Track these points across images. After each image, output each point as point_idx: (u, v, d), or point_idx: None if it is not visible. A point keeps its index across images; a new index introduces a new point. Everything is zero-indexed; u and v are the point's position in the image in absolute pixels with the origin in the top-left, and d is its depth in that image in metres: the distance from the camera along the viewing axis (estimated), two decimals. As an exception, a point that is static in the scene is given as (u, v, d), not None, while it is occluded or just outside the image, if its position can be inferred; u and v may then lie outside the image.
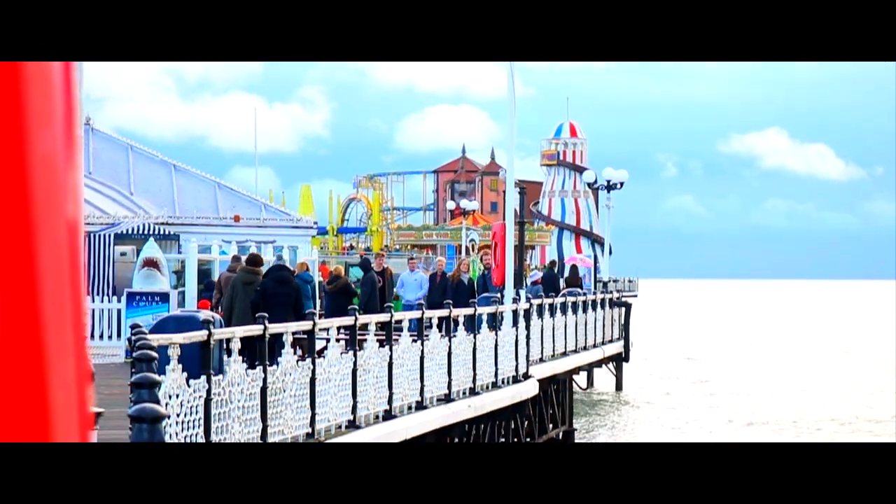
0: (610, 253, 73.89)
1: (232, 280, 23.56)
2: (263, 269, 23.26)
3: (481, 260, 36.63)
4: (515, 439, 29.46)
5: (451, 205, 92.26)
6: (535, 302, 31.51)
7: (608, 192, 62.67)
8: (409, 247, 76.10)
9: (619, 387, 51.63)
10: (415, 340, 22.11)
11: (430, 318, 24.15)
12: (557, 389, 35.51)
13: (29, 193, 1.35)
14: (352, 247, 79.52)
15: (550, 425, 34.23)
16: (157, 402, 12.02)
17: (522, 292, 30.58)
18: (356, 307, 22.47)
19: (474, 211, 79.71)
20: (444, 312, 24.27)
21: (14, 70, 1.31)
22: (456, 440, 24.85)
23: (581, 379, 49.21)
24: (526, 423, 30.50)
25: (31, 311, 1.36)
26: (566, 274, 49.26)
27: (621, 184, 61.09)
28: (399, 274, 34.75)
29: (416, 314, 22.97)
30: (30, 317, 1.36)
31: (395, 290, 32.73)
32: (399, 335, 21.66)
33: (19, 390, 1.36)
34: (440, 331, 23.99)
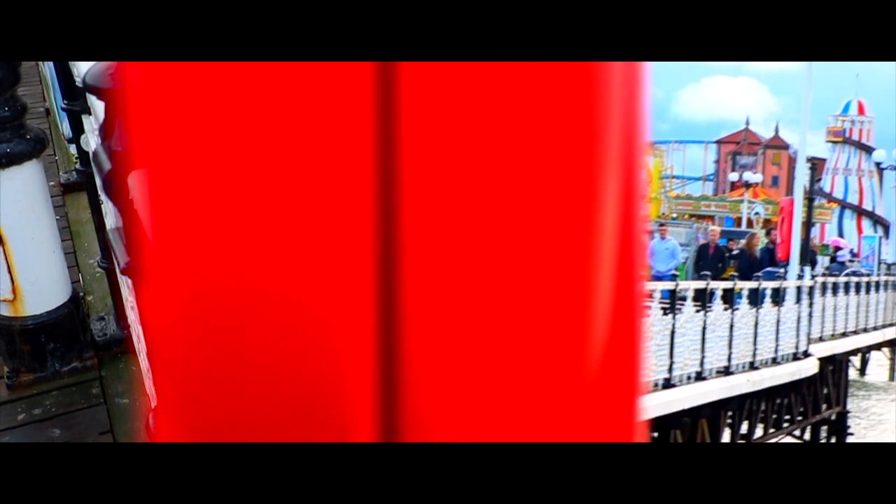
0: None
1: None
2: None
3: (767, 234, 35.90)
4: (787, 417, 29.16)
5: (733, 176, 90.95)
6: (820, 280, 30.98)
7: (897, 173, 61.04)
8: (686, 216, 75.33)
9: (892, 376, 50.08)
10: (698, 311, 22.07)
11: (713, 290, 23.90)
12: (834, 370, 34.88)
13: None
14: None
15: (824, 405, 33.69)
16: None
17: (808, 269, 30.02)
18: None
19: (757, 184, 78.43)
20: (728, 285, 24.10)
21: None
22: (731, 414, 24.76)
23: (855, 361, 48.07)
24: (800, 401, 30.16)
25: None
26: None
27: (912, 165, 59.46)
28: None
29: (688, 284, 22.92)
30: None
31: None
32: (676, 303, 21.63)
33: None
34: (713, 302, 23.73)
